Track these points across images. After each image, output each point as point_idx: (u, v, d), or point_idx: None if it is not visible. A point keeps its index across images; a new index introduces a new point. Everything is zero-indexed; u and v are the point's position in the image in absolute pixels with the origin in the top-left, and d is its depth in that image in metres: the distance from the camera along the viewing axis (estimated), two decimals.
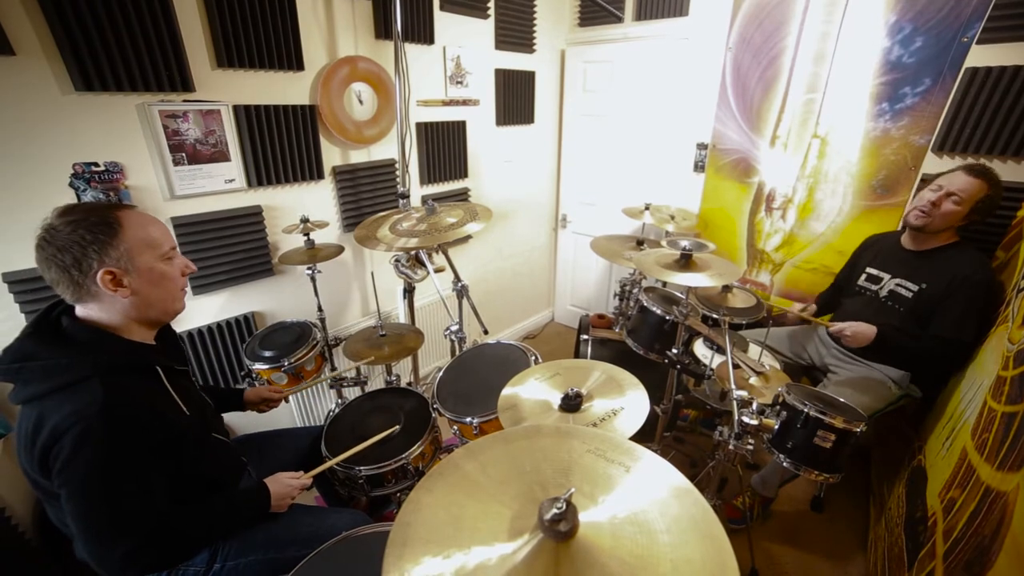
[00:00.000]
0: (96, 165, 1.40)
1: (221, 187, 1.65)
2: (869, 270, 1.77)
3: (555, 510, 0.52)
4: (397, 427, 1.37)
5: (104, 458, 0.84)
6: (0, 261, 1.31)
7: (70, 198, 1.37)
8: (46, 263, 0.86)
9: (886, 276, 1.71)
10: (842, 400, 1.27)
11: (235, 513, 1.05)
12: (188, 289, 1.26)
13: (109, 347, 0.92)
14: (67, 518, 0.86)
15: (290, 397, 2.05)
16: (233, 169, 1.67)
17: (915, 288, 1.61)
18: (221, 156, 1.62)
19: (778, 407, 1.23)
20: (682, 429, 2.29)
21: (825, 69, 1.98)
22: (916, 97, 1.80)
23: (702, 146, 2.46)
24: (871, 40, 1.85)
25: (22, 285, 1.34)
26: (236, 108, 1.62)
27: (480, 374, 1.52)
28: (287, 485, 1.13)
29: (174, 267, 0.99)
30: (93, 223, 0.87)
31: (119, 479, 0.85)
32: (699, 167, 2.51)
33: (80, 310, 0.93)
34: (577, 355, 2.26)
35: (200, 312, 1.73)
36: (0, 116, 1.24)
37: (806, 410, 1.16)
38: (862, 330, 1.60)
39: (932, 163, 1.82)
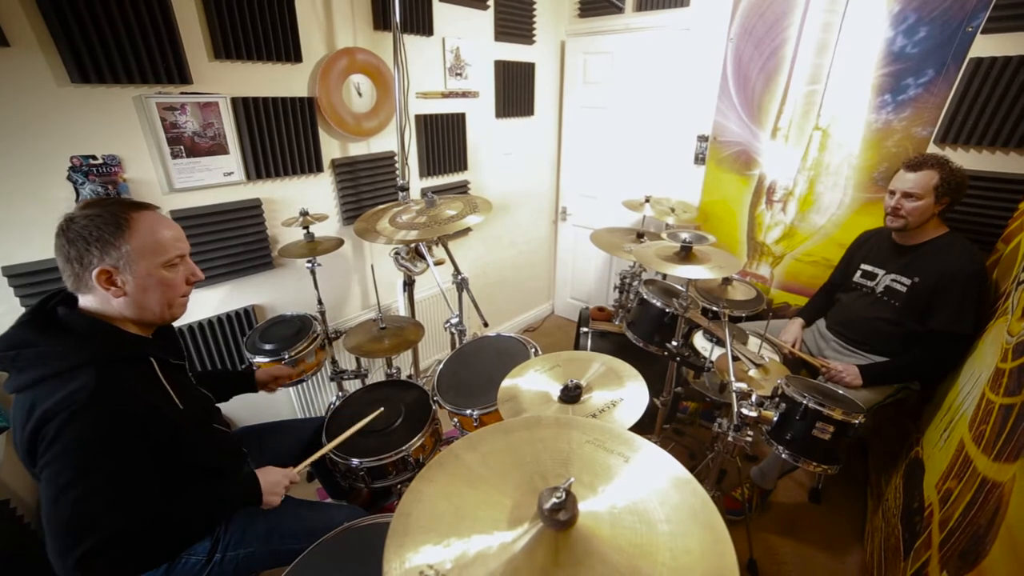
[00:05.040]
0: (94, 158, 1.39)
1: (220, 180, 1.65)
2: (864, 266, 1.77)
3: (555, 499, 0.52)
4: (381, 409, 1.37)
5: (84, 446, 0.81)
6: None
7: (68, 192, 1.37)
8: (57, 251, 0.89)
9: (880, 272, 1.71)
10: (841, 392, 1.28)
11: (219, 505, 1.01)
12: None
13: (105, 337, 0.91)
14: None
15: (291, 389, 2.06)
16: (232, 162, 1.66)
17: (908, 282, 1.61)
18: (219, 149, 1.62)
19: (777, 399, 1.24)
20: (681, 421, 2.30)
21: (827, 60, 1.97)
22: (919, 88, 1.79)
23: (703, 138, 2.45)
24: (874, 30, 1.83)
25: (22, 279, 1.34)
26: (234, 100, 1.61)
27: (480, 366, 1.52)
28: (277, 476, 1.09)
29: (178, 274, 0.98)
30: (104, 220, 0.87)
31: (94, 472, 0.81)
32: (700, 159, 2.49)
33: (81, 300, 0.93)
34: (577, 347, 2.26)
35: (200, 306, 1.73)
36: None
37: (805, 402, 1.17)
38: (853, 371, 1.63)
39: None
